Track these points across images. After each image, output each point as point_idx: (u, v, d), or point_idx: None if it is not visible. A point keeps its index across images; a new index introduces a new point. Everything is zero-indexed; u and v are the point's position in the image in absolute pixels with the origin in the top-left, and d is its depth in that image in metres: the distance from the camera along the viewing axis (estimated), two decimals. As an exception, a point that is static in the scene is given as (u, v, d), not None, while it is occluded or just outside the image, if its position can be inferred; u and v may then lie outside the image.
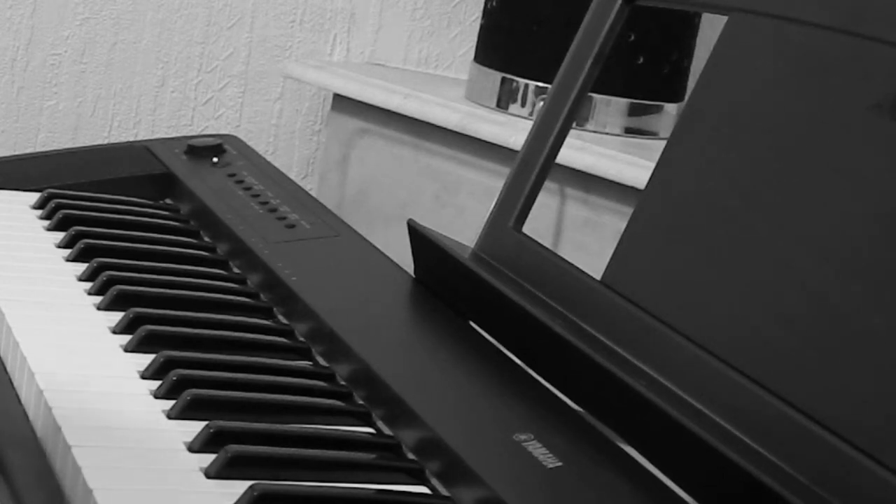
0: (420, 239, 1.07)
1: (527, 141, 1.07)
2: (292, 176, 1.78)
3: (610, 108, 1.83)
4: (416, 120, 1.92)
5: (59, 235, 1.14)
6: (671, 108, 1.86)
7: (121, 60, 2.19)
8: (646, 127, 1.85)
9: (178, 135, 1.60)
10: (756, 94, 0.93)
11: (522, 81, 1.85)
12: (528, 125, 1.11)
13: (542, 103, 1.19)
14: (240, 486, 0.76)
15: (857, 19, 0.88)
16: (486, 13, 1.93)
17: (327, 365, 0.97)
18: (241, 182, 1.26)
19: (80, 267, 1.07)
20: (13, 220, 1.18)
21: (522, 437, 0.83)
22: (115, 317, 0.98)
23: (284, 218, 1.18)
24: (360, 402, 0.92)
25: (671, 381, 0.87)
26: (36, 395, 0.86)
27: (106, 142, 2.18)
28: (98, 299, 1.02)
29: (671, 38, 1.85)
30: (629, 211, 0.97)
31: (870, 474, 0.74)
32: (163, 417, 0.85)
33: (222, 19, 2.19)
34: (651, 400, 0.82)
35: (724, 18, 0.97)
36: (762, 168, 0.90)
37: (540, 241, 1.04)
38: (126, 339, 0.95)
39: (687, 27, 1.87)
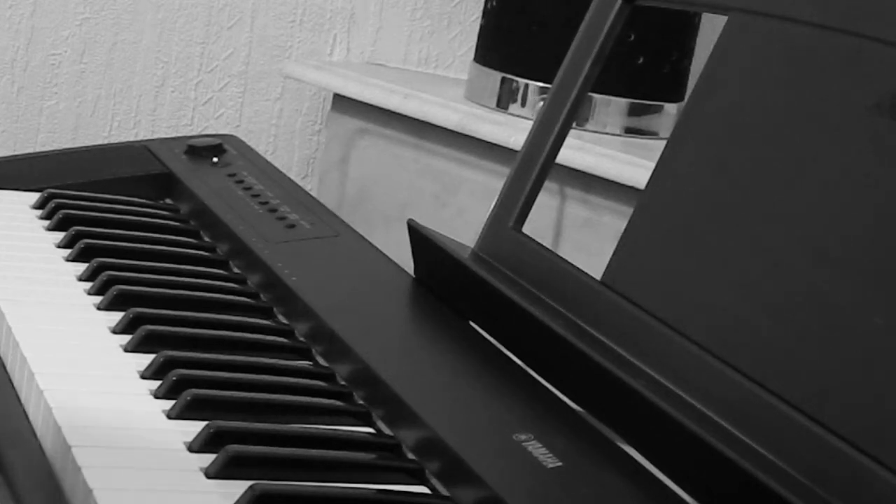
0: (420, 239, 1.07)
1: (527, 141, 1.07)
2: (292, 176, 1.78)
3: (610, 108, 1.83)
4: (416, 120, 1.92)
5: (59, 235, 1.14)
6: (671, 108, 1.86)
7: (121, 60, 2.19)
8: (646, 127, 1.85)
9: (178, 135, 1.60)
10: (756, 94, 0.93)
11: (522, 81, 1.85)
12: (528, 125, 1.11)
13: (542, 103, 1.19)
14: (240, 486, 0.76)
15: (856, 19, 0.88)
16: (486, 13, 1.93)
17: (327, 365, 0.97)
18: (241, 182, 1.26)
19: (80, 267, 1.07)
20: (13, 220, 1.18)
21: (522, 437, 0.83)
22: (115, 317, 0.98)
23: (284, 218, 1.18)
24: (360, 402, 0.92)
25: (671, 381, 0.87)
26: (36, 394, 0.86)
27: (106, 142, 2.18)
28: (98, 299, 1.02)
29: (671, 38, 1.85)
30: (629, 211, 0.97)
31: (870, 474, 0.74)
32: (163, 417, 0.85)
33: (222, 19, 2.19)
34: (651, 400, 0.82)
35: (724, 18, 0.97)
36: (762, 168, 0.90)
37: (540, 241, 1.04)
38: (126, 339, 0.95)
39: (687, 27, 1.87)
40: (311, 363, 0.98)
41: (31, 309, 0.98)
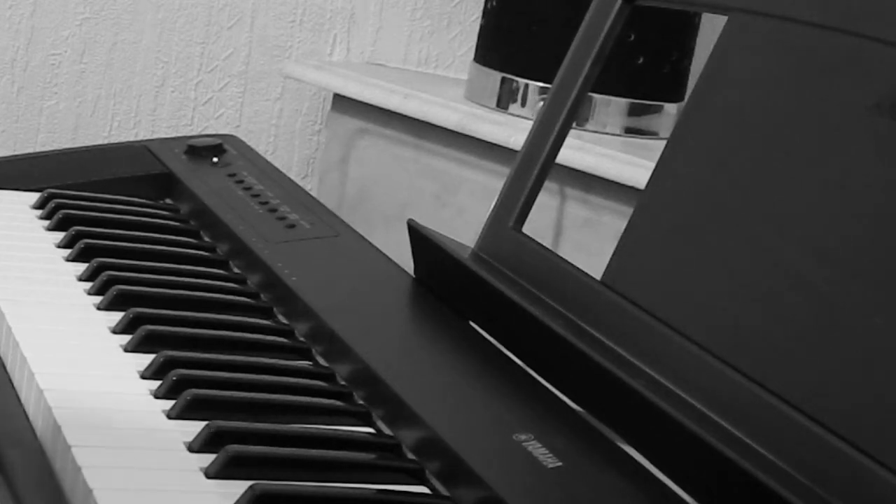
0: (420, 239, 1.07)
1: (527, 141, 1.07)
2: (292, 176, 1.78)
3: (610, 108, 1.83)
4: (416, 120, 1.92)
5: (59, 235, 1.14)
6: (671, 108, 1.86)
7: (121, 60, 2.19)
8: (646, 127, 1.85)
9: (178, 135, 1.60)
10: (756, 94, 0.93)
11: (522, 81, 1.85)
12: (528, 125, 1.11)
13: (542, 103, 1.19)
14: (240, 486, 0.76)
15: (856, 19, 0.88)
16: (486, 13, 1.93)
17: (327, 365, 0.97)
18: (241, 182, 1.26)
19: (80, 267, 1.07)
20: (13, 220, 1.18)
21: (522, 437, 0.83)
22: (115, 317, 0.98)
23: (284, 218, 1.18)
24: (360, 402, 0.92)
25: (671, 381, 0.87)
26: (36, 394, 0.86)
27: (106, 142, 2.18)
28: (98, 299, 1.02)
29: (671, 38, 1.85)
30: (629, 211, 0.97)
31: (870, 474, 0.74)
32: (163, 417, 0.85)
33: (222, 19, 2.19)
34: (651, 400, 0.82)
35: (724, 18, 0.97)
36: (762, 168, 0.90)
37: (540, 241, 1.04)
38: (126, 339, 0.95)
39: (687, 27, 1.87)
40: (311, 363, 0.98)
41: (31, 309, 0.98)
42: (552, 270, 1.00)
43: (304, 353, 0.99)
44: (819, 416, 0.78)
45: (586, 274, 0.97)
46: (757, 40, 0.95)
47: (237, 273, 1.12)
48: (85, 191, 1.25)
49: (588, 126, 1.82)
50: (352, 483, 0.80)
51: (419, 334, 1.03)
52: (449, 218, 1.89)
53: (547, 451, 0.82)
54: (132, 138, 2.16)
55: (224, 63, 2.20)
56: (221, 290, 1.07)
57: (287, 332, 1.01)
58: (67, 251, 1.11)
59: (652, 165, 0.97)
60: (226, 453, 0.79)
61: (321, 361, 0.98)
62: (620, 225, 0.97)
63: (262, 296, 1.08)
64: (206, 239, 1.19)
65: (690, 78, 1.89)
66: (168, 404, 0.86)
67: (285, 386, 0.92)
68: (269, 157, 1.92)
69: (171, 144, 1.35)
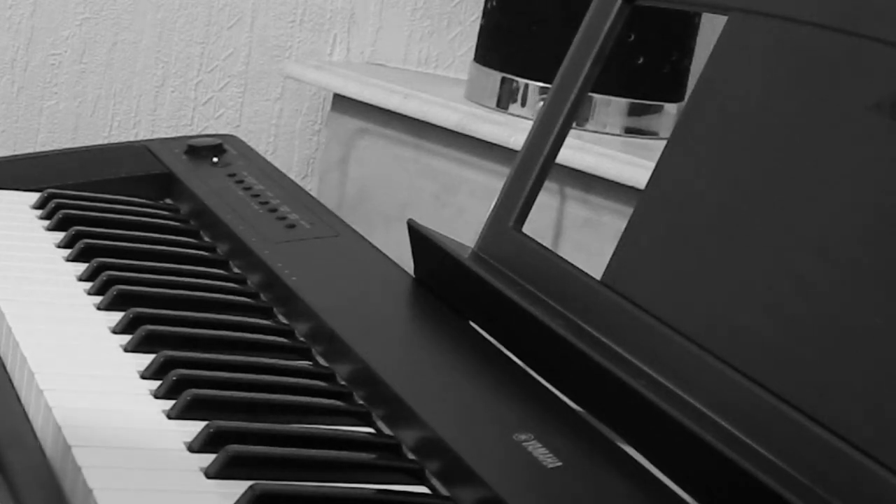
0: (420, 239, 1.07)
1: (527, 141, 1.07)
2: (292, 176, 1.78)
3: (610, 108, 1.83)
4: (416, 120, 1.92)
5: (59, 235, 1.14)
6: (671, 108, 1.86)
7: (121, 60, 2.19)
8: (646, 127, 1.85)
9: (178, 135, 1.60)
10: (756, 94, 0.93)
11: (522, 81, 1.85)
12: (528, 125, 1.11)
13: (542, 103, 1.19)
14: (240, 486, 0.76)
15: (856, 19, 0.88)
16: (486, 13, 1.93)
17: (327, 365, 0.97)
18: (241, 182, 1.26)
19: (80, 267, 1.07)
20: (13, 220, 1.18)
21: (522, 437, 0.83)
22: (115, 317, 0.98)
23: (284, 218, 1.18)
24: (360, 402, 0.92)
25: (671, 381, 0.87)
26: (36, 395, 0.86)
27: (106, 142, 2.18)
28: (98, 299, 1.02)
29: (671, 38, 1.85)
30: (629, 211, 0.97)
31: (870, 474, 0.74)
32: (163, 417, 0.85)
33: (222, 19, 2.19)
34: (651, 400, 0.82)
35: (724, 18, 0.97)
36: (762, 168, 0.90)
37: (540, 241, 1.04)
38: (126, 339, 0.95)
39: (687, 27, 1.87)
40: (311, 363, 0.98)
41: (31, 309, 0.98)
42: (552, 270, 1.00)
43: (304, 353, 0.99)
44: (819, 416, 0.78)
45: (586, 274, 0.97)
46: (757, 40, 0.95)
47: (237, 273, 1.12)
48: (85, 191, 1.25)
49: (588, 126, 1.82)
50: (352, 483, 0.80)
51: (419, 334, 1.03)
52: (449, 218, 1.89)
53: (547, 451, 0.82)
54: (132, 138, 2.16)
55: (224, 63, 2.20)
56: (221, 290, 1.07)
57: (287, 332, 1.01)
58: (67, 251, 1.11)
59: (652, 165, 0.97)
60: (226, 453, 0.79)
61: (321, 361, 0.98)
62: (620, 225, 0.97)
63: (262, 296, 1.08)
64: (206, 239, 1.19)
65: (690, 78, 1.89)
66: (168, 404, 0.86)
67: (285, 386, 0.92)
68: (269, 157, 1.92)
69: (171, 144, 1.35)
